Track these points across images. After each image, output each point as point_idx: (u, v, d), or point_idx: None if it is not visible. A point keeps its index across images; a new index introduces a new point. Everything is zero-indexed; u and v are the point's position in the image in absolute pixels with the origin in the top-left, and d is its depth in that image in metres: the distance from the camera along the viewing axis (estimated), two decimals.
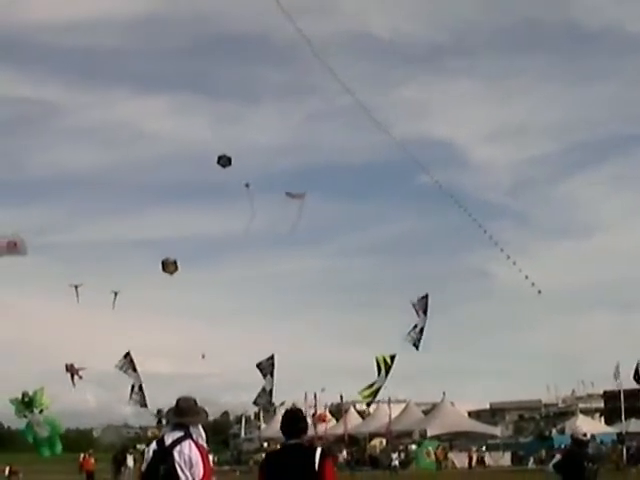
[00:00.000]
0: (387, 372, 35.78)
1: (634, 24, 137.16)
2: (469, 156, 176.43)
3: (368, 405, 34.54)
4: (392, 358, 35.73)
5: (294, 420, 8.26)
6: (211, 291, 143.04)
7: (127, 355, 37.17)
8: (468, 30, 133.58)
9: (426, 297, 33.62)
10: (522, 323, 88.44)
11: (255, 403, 46.04)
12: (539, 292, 32.79)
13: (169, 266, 31.88)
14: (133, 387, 37.16)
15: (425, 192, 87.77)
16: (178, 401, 7.84)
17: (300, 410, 8.86)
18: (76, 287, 37.32)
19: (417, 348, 33.37)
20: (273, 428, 78.43)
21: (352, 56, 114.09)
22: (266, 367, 41.59)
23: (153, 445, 7.73)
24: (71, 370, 36.52)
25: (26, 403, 31.11)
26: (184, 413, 7.76)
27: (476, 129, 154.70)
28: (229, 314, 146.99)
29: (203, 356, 47.93)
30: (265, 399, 42.50)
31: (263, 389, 42.28)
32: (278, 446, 8.88)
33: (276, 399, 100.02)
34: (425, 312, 33.44)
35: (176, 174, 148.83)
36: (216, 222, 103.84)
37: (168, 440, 7.61)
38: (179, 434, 7.62)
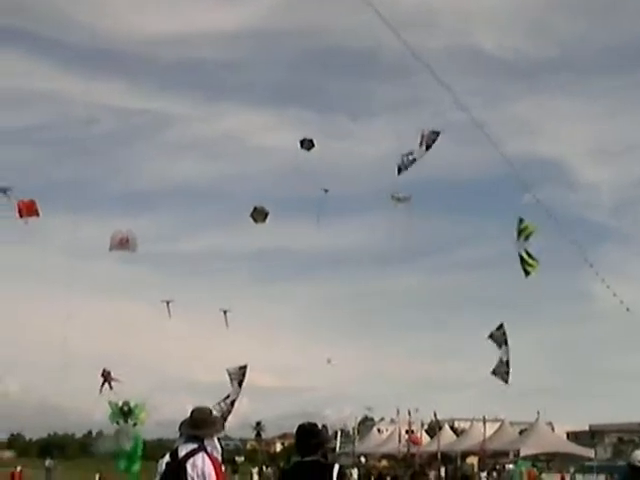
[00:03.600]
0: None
1: None
2: (575, 175, 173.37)
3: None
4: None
5: (308, 436, 8.01)
6: (311, 306, 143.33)
7: (243, 367, 36.47)
8: (576, 46, 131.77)
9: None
10: (622, 344, 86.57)
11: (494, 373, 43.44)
12: (627, 310, 32.49)
13: (259, 215, 32.51)
14: (227, 397, 36.26)
15: (529, 211, 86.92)
16: (192, 412, 7.63)
17: (315, 425, 8.34)
18: (167, 303, 38.08)
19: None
20: (368, 443, 78.96)
21: (458, 71, 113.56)
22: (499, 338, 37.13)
23: (166, 457, 7.61)
24: (106, 377, 36.07)
25: (124, 412, 31.57)
26: (198, 425, 7.56)
27: (583, 147, 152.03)
28: (328, 329, 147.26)
29: (329, 360, 48.35)
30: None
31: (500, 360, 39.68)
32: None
33: (375, 415, 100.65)
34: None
35: (281, 188, 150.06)
36: (320, 236, 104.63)
37: (181, 452, 7.47)
38: (193, 446, 7.49)
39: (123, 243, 32.63)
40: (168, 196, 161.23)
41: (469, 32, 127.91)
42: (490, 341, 31.91)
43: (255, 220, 33.51)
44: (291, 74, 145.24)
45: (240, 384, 36.61)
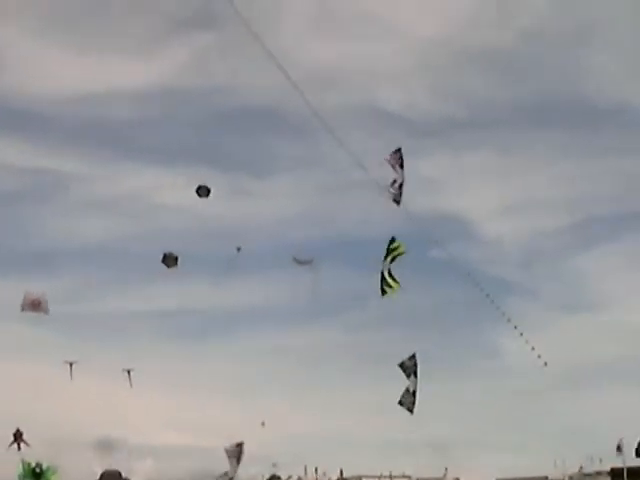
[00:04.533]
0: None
1: None
2: (480, 230, 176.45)
3: None
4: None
5: None
6: (224, 364, 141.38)
7: (240, 444, 35.96)
8: (481, 104, 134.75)
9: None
10: (530, 397, 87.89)
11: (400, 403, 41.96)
12: (545, 364, 32.88)
13: (170, 260, 32.49)
14: (225, 474, 35.84)
15: (437, 267, 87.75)
16: (101, 476, 7.78)
17: None
18: (71, 364, 37.40)
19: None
20: None
21: (363, 130, 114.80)
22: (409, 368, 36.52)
23: None
24: (18, 438, 36.04)
25: (35, 473, 31.01)
26: None
27: (488, 203, 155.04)
28: (243, 386, 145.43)
29: (263, 423, 48.16)
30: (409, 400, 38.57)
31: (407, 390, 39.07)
32: None
33: (283, 473, 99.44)
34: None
35: (187, 246, 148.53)
36: (229, 295, 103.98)
37: None
38: None
39: (35, 305, 32.30)
40: (73, 256, 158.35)
41: (374, 91, 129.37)
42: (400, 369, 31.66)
43: (167, 266, 33.53)
44: (197, 133, 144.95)
45: (238, 461, 36.26)
